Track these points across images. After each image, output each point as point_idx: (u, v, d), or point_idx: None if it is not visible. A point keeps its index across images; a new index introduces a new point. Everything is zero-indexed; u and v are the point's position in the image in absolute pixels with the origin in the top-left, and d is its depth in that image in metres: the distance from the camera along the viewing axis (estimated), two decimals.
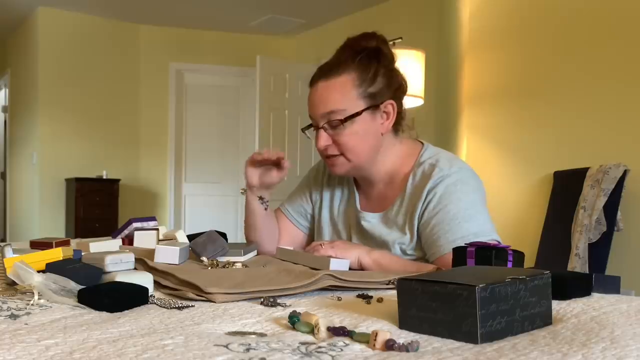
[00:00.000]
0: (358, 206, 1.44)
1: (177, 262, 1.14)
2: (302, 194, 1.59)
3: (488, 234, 1.26)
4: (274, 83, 5.79)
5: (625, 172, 2.89)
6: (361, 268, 1.25)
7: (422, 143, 1.42)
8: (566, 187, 3.18)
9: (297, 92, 5.96)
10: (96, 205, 5.90)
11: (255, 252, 1.39)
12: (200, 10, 5.91)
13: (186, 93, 6.63)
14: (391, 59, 1.35)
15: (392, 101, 1.33)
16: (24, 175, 6.49)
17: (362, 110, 1.30)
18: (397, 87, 1.35)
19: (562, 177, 3.24)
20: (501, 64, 3.60)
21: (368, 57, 1.31)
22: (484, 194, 1.35)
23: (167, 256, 1.13)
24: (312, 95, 1.35)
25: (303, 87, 6.01)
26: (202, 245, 1.23)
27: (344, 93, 1.29)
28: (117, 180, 6.11)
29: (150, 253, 1.20)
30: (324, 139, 1.33)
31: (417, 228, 1.32)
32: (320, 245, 1.28)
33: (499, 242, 1.27)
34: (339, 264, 1.17)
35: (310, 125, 1.41)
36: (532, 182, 3.42)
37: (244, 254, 1.29)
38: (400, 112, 1.36)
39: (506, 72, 3.57)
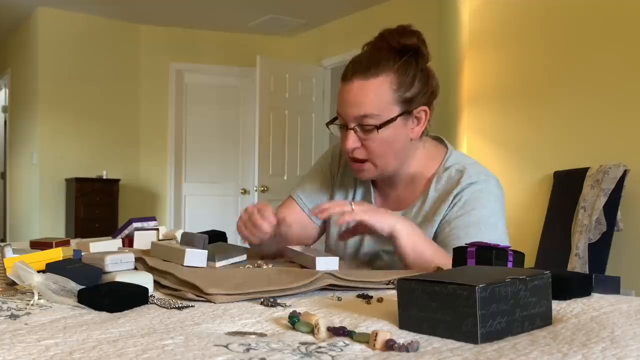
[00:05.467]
0: (374, 202, 1.41)
1: (205, 265, 1.13)
2: (317, 183, 1.52)
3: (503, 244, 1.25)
4: (274, 83, 5.78)
5: (625, 172, 2.90)
6: (390, 238, 1.20)
7: (444, 146, 1.40)
8: (566, 187, 3.18)
9: (297, 92, 5.96)
10: (96, 205, 5.90)
11: (239, 259, 1.30)
12: (200, 10, 5.90)
13: (186, 93, 6.63)
14: (427, 60, 1.31)
15: (425, 107, 1.29)
16: (24, 175, 6.49)
17: (397, 116, 1.26)
18: (431, 91, 1.31)
19: (562, 177, 3.24)
20: (501, 64, 3.60)
21: (407, 60, 1.26)
22: (504, 205, 1.34)
23: (196, 259, 1.12)
24: (345, 93, 1.28)
25: (303, 87, 6.01)
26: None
27: (381, 97, 1.24)
28: (117, 180, 6.11)
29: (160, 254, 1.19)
30: (353, 140, 1.28)
31: (436, 231, 1.30)
32: (351, 206, 1.18)
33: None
34: (326, 263, 1.13)
35: (335, 119, 1.34)
36: (532, 182, 3.42)
37: (220, 260, 1.21)
38: (431, 116, 1.32)
39: (506, 72, 3.57)
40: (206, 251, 1.14)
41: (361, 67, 1.26)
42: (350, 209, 1.17)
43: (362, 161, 1.32)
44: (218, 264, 1.21)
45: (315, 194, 1.51)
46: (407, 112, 1.27)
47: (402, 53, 1.27)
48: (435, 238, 1.30)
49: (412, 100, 1.27)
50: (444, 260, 1.17)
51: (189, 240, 1.23)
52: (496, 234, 1.25)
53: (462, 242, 1.21)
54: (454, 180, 1.31)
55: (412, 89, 1.26)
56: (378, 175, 1.35)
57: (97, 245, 1.33)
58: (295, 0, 5.54)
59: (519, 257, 0.99)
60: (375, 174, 1.34)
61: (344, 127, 1.30)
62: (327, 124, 1.38)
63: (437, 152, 1.39)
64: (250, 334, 0.67)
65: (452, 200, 1.29)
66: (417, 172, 1.36)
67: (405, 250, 1.19)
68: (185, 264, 1.11)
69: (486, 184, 1.31)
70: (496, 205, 1.30)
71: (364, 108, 1.25)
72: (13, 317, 0.77)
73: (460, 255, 1.00)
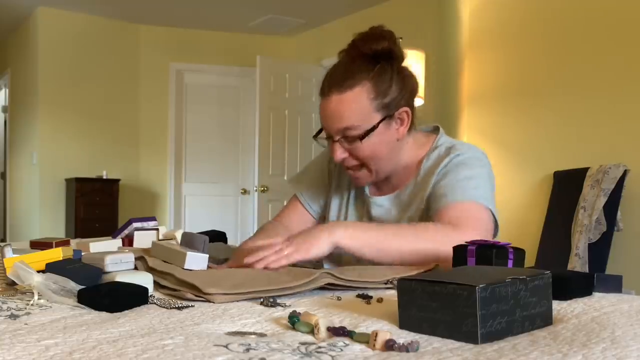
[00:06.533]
0: (367, 193, 1.44)
1: (205, 268, 1.13)
2: (317, 182, 1.56)
3: (491, 204, 1.28)
4: (274, 83, 5.78)
5: (625, 172, 2.89)
6: (339, 251, 1.16)
7: (436, 133, 1.43)
8: (566, 187, 3.18)
9: (297, 92, 5.96)
10: (96, 205, 5.90)
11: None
12: (200, 10, 5.90)
13: (186, 93, 6.62)
14: (401, 59, 1.32)
15: (406, 108, 1.31)
16: (24, 175, 6.49)
17: (378, 123, 1.28)
18: (410, 91, 1.33)
19: (562, 177, 3.24)
20: (501, 64, 3.60)
21: (382, 67, 1.28)
22: (494, 183, 1.36)
23: (197, 263, 1.11)
24: (325, 108, 1.30)
25: (303, 87, 6.01)
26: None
27: (359, 108, 1.26)
28: (117, 180, 6.11)
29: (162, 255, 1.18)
30: (340, 152, 1.31)
31: (427, 198, 1.32)
32: (283, 251, 1.10)
33: (496, 220, 1.29)
34: (195, 260, 1.09)
35: (320, 131, 1.37)
36: (532, 182, 3.42)
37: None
38: (413, 114, 1.35)
39: (506, 72, 3.57)
40: (207, 255, 1.13)
41: (337, 80, 1.28)
42: (284, 254, 1.09)
43: (356, 168, 1.34)
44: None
45: (316, 192, 1.55)
46: (388, 117, 1.29)
47: (375, 59, 1.28)
48: (427, 210, 1.32)
49: (391, 105, 1.29)
50: (411, 230, 1.18)
51: (188, 240, 1.23)
52: (484, 192, 1.27)
53: (451, 195, 1.25)
54: (443, 156, 1.34)
55: (389, 94, 1.28)
56: (375, 180, 1.38)
57: (97, 245, 1.33)
58: (295, 0, 5.53)
59: (519, 254, 0.99)
60: (372, 179, 1.37)
61: (330, 139, 1.33)
62: (314, 137, 1.41)
63: (426, 139, 1.42)
64: (250, 334, 0.67)
65: (440, 171, 1.31)
66: (408, 162, 1.39)
67: (362, 251, 1.15)
68: (185, 267, 1.11)
69: (475, 153, 1.34)
70: (483, 171, 1.32)
71: (344, 121, 1.27)
72: (13, 317, 0.77)
73: (460, 254, 1.00)
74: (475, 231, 1.17)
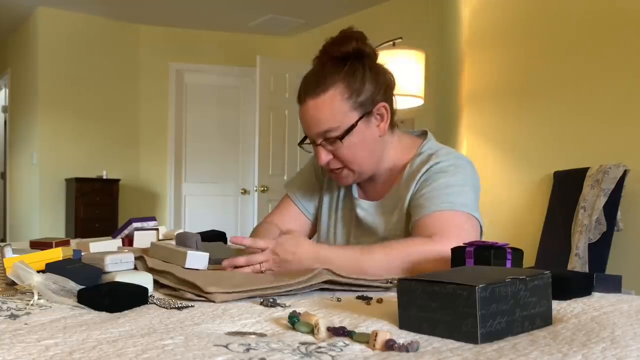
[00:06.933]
0: (355, 195, 1.45)
1: (205, 268, 1.12)
2: (309, 183, 1.57)
3: (473, 210, 1.26)
4: (274, 83, 5.78)
5: (625, 172, 2.89)
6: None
7: (423, 138, 1.42)
8: (566, 187, 3.18)
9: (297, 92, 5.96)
10: (96, 205, 5.90)
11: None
12: (200, 10, 5.90)
13: (186, 93, 6.62)
14: (374, 57, 1.33)
15: (384, 103, 1.32)
16: (24, 175, 6.49)
17: (356, 122, 1.29)
18: (385, 86, 1.33)
19: (562, 177, 3.24)
20: (501, 63, 3.60)
21: (352, 66, 1.29)
22: (479, 188, 1.35)
23: (197, 262, 1.11)
24: (303, 115, 1.33)
25: None
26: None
27: (335, 109, 1.28)
28: (117, 180, 6.11)
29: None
30: (324, 154, 1.33)
31: (408, 207, 1.31)
32: (260, 266, 1.12)
33: (480, 225, 1.28)
34: (196, 259, 1.11)
35: (305, 138, 1.40)
36: (532, 182, 3.42)
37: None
38: (393, 109, 1.35)
39: (506, 72, 3.57)
40: (207, 254, 1.13)
41: (310, 86, 1.31)
42: (260, 269, 1.11)
43: (339, 169, 1.35)
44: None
45: (310, 193, 1.57)
46: (366, 114, 1.30)
47: (345, 60, 1.29)
48: (407, 219, 1.32)
49: (367, 102, 1.29)
50: (380, 249, 1.16)
51: (182, 240, 1.23)
52: (465, 199, 1.25)
53: (431, 203, 1.24)
54: (424, 161, 1.33)
55: (364, 91, 1.29)
56: (358, 179, 1.38)
57: (97, 245, 1.34)
58: (295, 0, 5.53)
59: (517, 254, 0.99)
60: (354, 178, 1.38)
61: (314, 144, 1.35)
62: (299, 144, 1.43)
63: (412, 143, 1.41)
64: (250, 334, 0.67)
65: (420, 178, 1.31)
66: (393, 164, 1.39)
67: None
68: (186, 267, 1.11)
69: (455, 160, 1.33)
70: (465, 178, 1.30)
71: (322, 124, 1.29)
72: (13, 317, 0.77)
73: (458, 255, 1.00)
74: (453, 240, 1.14)
